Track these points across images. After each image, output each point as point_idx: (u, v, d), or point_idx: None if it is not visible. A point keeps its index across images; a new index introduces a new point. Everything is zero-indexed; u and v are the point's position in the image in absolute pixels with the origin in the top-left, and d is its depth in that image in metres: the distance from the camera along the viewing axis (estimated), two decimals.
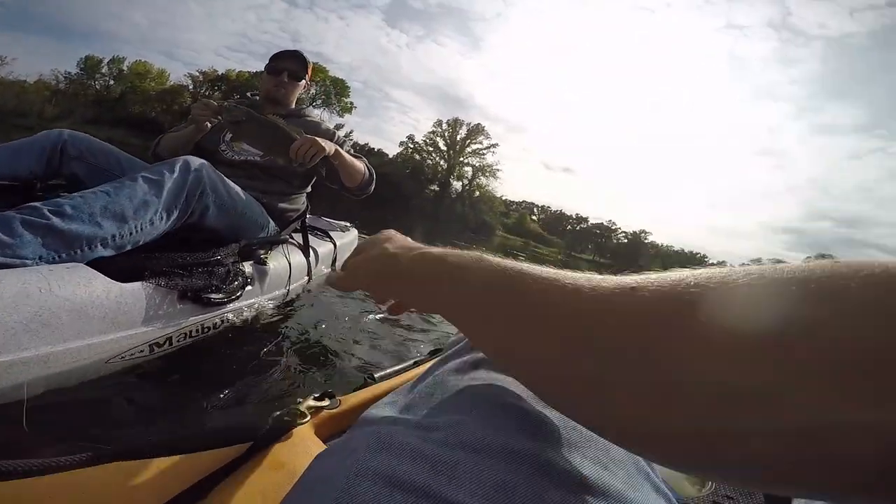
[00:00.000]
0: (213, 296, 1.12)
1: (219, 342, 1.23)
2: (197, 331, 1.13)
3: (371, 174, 1.67)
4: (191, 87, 36.28)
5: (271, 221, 1.55)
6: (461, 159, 45.50)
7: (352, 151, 1.73)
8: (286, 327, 1.53)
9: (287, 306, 1.63)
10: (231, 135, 1.54)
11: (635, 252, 57.78)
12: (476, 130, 45.34)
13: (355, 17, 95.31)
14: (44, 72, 36.45)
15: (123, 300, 0.88)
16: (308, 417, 0.53)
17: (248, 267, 1.34)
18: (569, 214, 65.40)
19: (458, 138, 45.29)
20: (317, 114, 1.98)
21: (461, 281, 0.27)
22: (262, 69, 1.71)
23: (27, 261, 0.77)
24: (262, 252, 1.45)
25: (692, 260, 60.13)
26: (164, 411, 0.91)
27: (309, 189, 1.79)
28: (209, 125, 1.40)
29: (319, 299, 1.90)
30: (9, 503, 0.31)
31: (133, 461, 0.36)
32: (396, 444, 0.25)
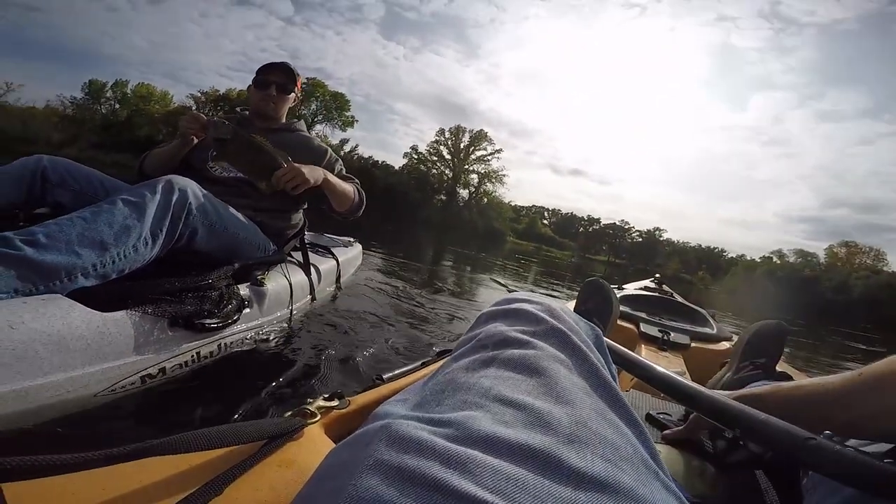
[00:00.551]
0: (207, 321, 1.08)
1: (221, 368, 1.18)
2: (194, 359, 1.09)
3: (361, 197, 1.64)
4: (194, 107, 35.73)
5: (268, 241, 1.51)
6: (466, 167, 44.74)
7: (344, 170, 1.72)
8: (294, 338, 1.50)
9: (291, 326, 1.58)
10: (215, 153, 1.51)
11: (651, 250, 56.74)
12: (479, 136, 44.81)
13: (351, 33, 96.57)
14: (50, 97, 36.90)
15: (107, 330, 0.84)
16: (318, 417, 0.54)
17: (244, 289, 1.30)
18: (580, 216, 64.92)
19: (461, 146, 44.67)
20: (318, 129, 1.96)
21: None
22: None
23: (0, 294, 0.73)
24: (259, 273, 1.41)
25: (710, 255, 59.00)
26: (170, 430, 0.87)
27: (305, 205, 1.74)
28: (195, 140, 1.36)
29: (324, 315, 1.87)
30: (28, 500, 0.32)
31: (151, 458, 0.36)
32: (408, 438, 0.25)
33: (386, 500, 0.21)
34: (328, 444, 0.51)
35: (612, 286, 1.28)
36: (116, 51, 72.50)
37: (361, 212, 1.68)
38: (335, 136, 40.49)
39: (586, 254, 56.96)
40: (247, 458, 0.42)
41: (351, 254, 2.47)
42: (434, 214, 38.31)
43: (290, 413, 0.53)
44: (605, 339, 0.44)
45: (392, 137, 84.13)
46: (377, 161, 41.53)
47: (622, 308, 1.68)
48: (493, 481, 0.22)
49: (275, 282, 1.47)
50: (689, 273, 53.97)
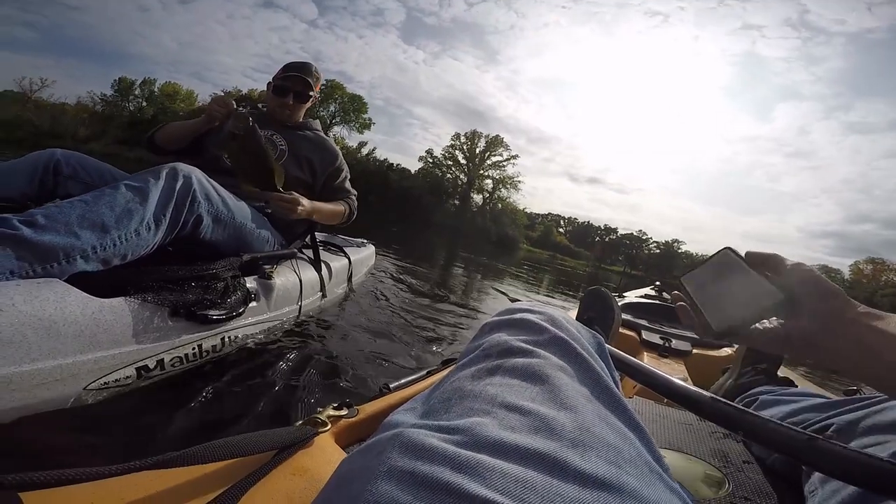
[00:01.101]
0: (210, 312, 1.04)
1: (224, 364, 1.14)
2: (195, 353, 1.05)
3: (351, 215, 1.76)
4: None
5: (278, 234, 1.47)
6: (481, 172, 44.25)
7: (348, 178, 1.75)
8: (302, 337, 1.46)
9: (299, 324, 1.53)
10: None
11: (669, 262, 55.33)
12: (495, 142, 44.23)
13: (373, 36, 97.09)
14: (82, 94, 38.04)
15: (103, 317, 0.80)
16: (328, 426, 0.55)
17: (251, 282, 1.26)
18: (597, 226, 64.07)
19: (477, 150, 44.19)
20: (336, 131, 1.99)
21: None
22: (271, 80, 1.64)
23: None
24: (268, 267, 1.37)
25: None
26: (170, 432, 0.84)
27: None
28: (216, 123, 1.36)
29: (334, 315, 1.82)
30: None
31: (165, 470, 0.37)
32: (420, 445, 0.25)
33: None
34: (339, 452, 0.52)
35: (613, 294, 1.28)
36: (146, 50, 75.13)
37: (348, 223, 1.79)
38: (352, 139, 40.97)
39: (602, 264, 56.33)
40: (260, 467, 0.43)
41: (363, 254, 2.43)
42: (447, 219, 38.21)
43: (300, 422, 0.54)
44: (607, 346, 0.45)
45: (411, 141, 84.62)
46: (392, 164, 41.92)
47: (624, 316, 1.69)
48: (503, 483, 0.23)
49: (284, 277, 1.43)
50: None
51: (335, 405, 0.60)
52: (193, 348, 1.03)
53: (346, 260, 2.09)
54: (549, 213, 65.43)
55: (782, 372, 1.12)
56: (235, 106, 1.34)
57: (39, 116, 31.34)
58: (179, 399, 0.95)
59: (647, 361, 1.45)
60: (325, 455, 0.49)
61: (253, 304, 1.22)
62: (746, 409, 0.43)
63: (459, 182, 44.43)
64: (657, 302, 2.24)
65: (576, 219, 66.55)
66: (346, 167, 1.73)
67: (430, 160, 44.95)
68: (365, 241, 2.69)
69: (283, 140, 1.57)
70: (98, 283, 0.83)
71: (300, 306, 1.51)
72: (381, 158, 41.34)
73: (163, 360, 0.94)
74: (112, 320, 0.82)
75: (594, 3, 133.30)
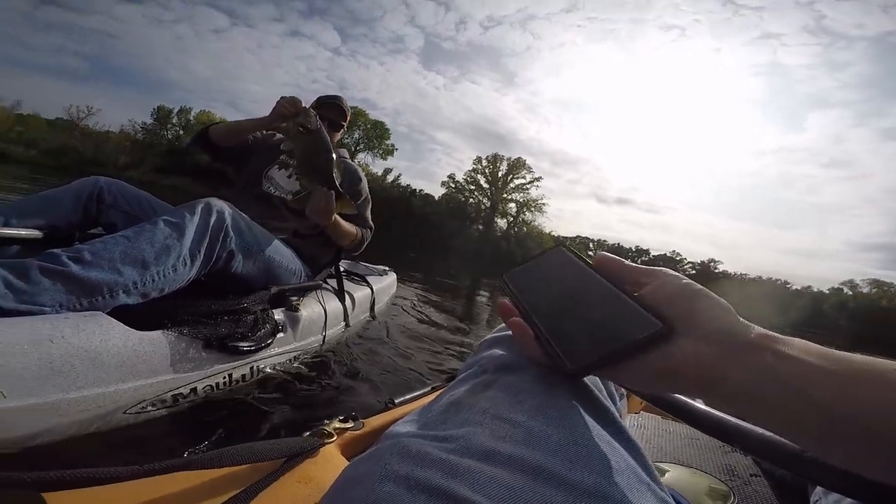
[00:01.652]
0: (240, 344, 1.08)
1: (251, 391, 1.18)
2: (225, 381, 1.09)
3: (362, 241, 1.71)
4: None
5: (304, 266, 1.53)
6: (504, 195, 43.65)
7: (369, 206, 1.77)
8: (324, 364, 1.51)
9: (323, 353, 1.57)
10: (283, 167, 1.59)
11: (706, 284, 53.75)
12: (517, 164, 43.62)
13: (394, 63, 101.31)
14: (124, 122, 40.18)
15: (142, 348, 0.86)
16: (334, 437, 0.57)
17: (279, 314, 1.31)
18: (627, 247, 62.68)
19: (499, 174, 43.66)
20: (360, 158, 2.04)
21: None
22: None
23: (45, 308, 0.76)
24: (294, 298, 1.42)
25: (774, 288, 55.60)
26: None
27: None
28: (283, 122, 1.39)
29: (356, 343, 1.87)
30: None
31: (177, 473, 0.39)
32: (416, 452, 0.28)
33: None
34: (343, 463, 0.54)
35: None
36: (183, 78, 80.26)
37: (359, 251, 1.75)
38: (376, 165, 41.51)
39: None
40: (269, 473, 0.45)
41: (385, 282, 2.48)
42: (470, 244, 37.99)
43: (308, 433, 0.56)
44: None
45: (434, 167, 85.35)
46: (415, 190, 42.28)
47: None
48: (491, 488, 0.24)
49: (310, 308, 1.47)
50: (749, 307, 51.04)
51: (341, 418, 0.63)
52: (224, 377, 1.08)
53: (369, 289, 2.13)
54: (578, 236, 64.22)
55: None
56: (302, 105, 1.38)
57: (84, 144, 32.99)
58: (206, 421, 1.00)
59: None
60: (330, 465, 0.52)
61: (280, 334, 1.27)
62: (739, 422, 0.42)
63: (483, 206, 44.04)
64: None
65: (606, 241, 64.69)
66: (367, 193, 1.76)
67: (453, 185, 44.91)
68: (387, 268, 2.74)
69: None
70: (138, 316, 0.89)
71: (324, 336, 1.55)
72: (405, 185, 41.86)
73: (196, 388, 0.99)
74: (151, 351, 0.87)
75: (608, 20, 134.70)
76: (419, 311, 2.96)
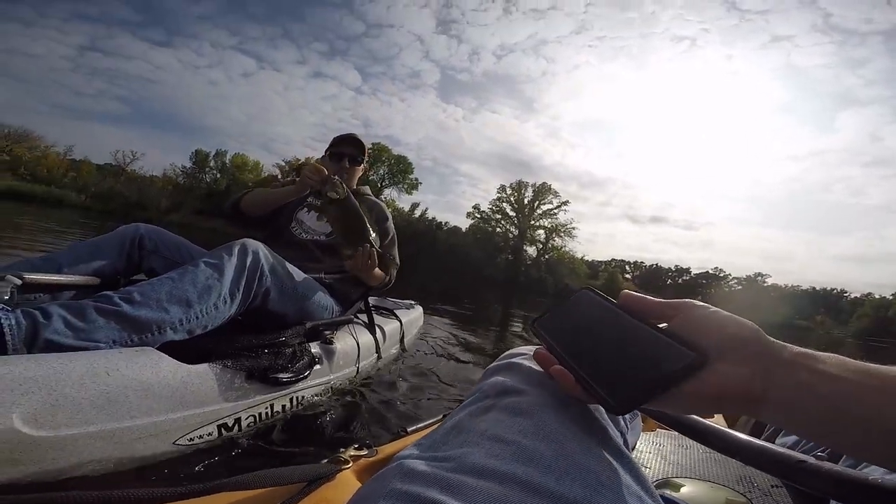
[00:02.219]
0: (281, 375, 1.13)
1: (291, 421, 1.21)
2: (267, 413, 1.12)
3: (388, 283, 1.77)
4: (279, 176, 36.51)
5: (335, 302, 1.58)
6: (532, 222, 43.25)
7: (395, 244, 1.82)
8: (357, 395, 1.54)
9: (357, 383, 1.59)
10: (311, 209, 1.66)
11: (755, 300, 49.47)
12: (543, 190, 43.36)
13: (413, 98, 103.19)
14: (166, 166, 41.19)
15: (190, 380, 0.90)
16: (350, 464, 0.62)
17: (315, 347, 1.35)
18: (666, 268, 60.26)
19: (525, 201, 43.36)
20: (387, 193, 2.10)
21: None
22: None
23: (100, 344, 0.83)
24: (328, 332, 1.47)
25: (828, 297, 51.76)
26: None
27: None
28: (310, 190, 1.48)
29: (386, 374, 1.89)
30: None
31: (208, 496, 0.44)
32: (416, 472, 0.31)
33: None
34: (358, 487, 0.57)
35: None
36: (219, 122, 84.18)
37: (386, 288, 1.80)
38: (403, 200, 41.80)
39: None
40: (291, 496, 0.50)
41: (412, 315, 2.52)
42: (498, 273, 37.39)
43: (327, 460, 0.62)
44: None
45: (460, 199, 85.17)
46: (441, 223, 42.67)
47: None
48: (482, 501, 0.27)
49: (343, 341, 1.52)
50: (805, 318, 47.83)
51: (356, 445, 0.68)
52: (266, 408, 1.11)
53: (398, 322, 2.17)
54: (612, 259, 62.17)
55: None
56: (327, 174, 1.44)
57: (128, 189, 34.44)
58: (245, 446, 1.03)
59: None
60: (345, 490, 0.56)
61: (317, 366, 1.31)
62: (740, 435, 0.43)
63: (510, 235, 43.35)
64: None
65: (643, 262, 62.85)
66: (393, 231, 1.82)
67: (478, 215, 44.52)
68: (413, 302, 2.77)
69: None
70: (185, 351, 0.94)
71: (358, 367, 1.58)
72: (431, 218, 42.19)
73: (240, 418, 1.03)
74: (198, 383, 0.92)
75: (618, 37, 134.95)
76: (445, 343, 2.96)
